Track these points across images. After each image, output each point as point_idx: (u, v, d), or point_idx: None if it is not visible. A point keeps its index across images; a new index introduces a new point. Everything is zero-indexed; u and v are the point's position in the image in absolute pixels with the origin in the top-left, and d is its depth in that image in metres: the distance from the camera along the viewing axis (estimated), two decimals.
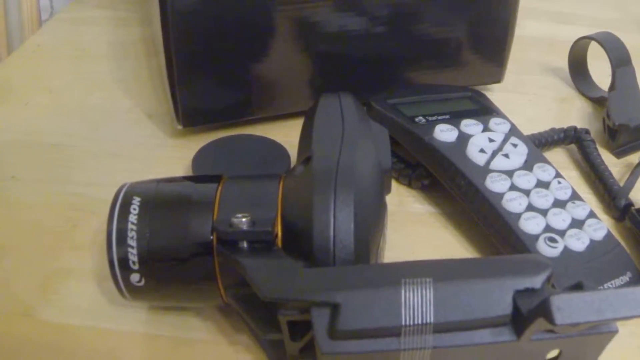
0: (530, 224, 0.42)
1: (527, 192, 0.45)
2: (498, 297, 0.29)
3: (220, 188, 0.36)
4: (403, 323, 0.29)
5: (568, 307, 0.27)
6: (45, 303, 0.41)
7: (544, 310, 0.27)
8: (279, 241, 0.34)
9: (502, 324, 0.29)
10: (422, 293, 0.29)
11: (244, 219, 0.33)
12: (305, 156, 0.35)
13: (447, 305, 0.29)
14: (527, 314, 0.29)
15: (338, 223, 0.31)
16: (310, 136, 0.36)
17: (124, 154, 0.54)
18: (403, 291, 0.29)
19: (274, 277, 0.31)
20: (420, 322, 0.29)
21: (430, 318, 0.29)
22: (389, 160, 0.39)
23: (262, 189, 0.36)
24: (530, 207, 0.44)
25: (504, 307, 0.29)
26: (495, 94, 0.63)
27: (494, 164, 0.46)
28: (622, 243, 0.46)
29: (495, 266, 0.31)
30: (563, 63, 0.67)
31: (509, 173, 0.46)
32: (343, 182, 0.32)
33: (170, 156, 0.53)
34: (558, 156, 0.56)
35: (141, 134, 0.56)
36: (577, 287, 0.30)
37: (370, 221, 0.34)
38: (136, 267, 0.35)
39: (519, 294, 0.29)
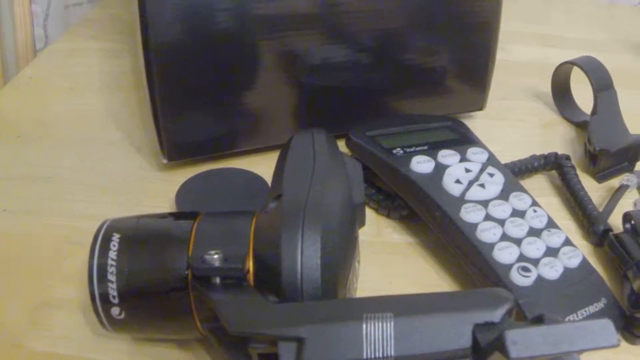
0: (504, 254, 0.43)
1: (502, 222, 0.45)
2: (458, 330, 0.30)
3: (195, 225, 0.37)
4: (365, 357, 0.29)
5: (523, 341, 0.28)
6: (35, 333, 0.42)
7: (500, 345, 0.28)
8: (250, 277, 0.35)
9: (462, 357, 0.30)
10: (383, 327, 0.30)
11: (216, 256, 0.34)
12: (276, 193, 0.36)
13: (408, 339, 0.30)
14: (486, 347, 0.29)
15: (305, 259, 0.33)
16: (281, 173, 0.37)
17: (113, 187, 0.55)
18: (364, 326, 0.30)
19: (242, 312, 0.32)
20: (381, 355, 0.29)
21: (391, 352, 0.29)
22: (362, 194, 0.40)
23: (236, 226, 0.37)
24: (505, 237, 0.44)
25: (464, 340, 0.30)
26: (478, 121, 0.64)
27: (470, 195, 0.47)
28: (601, 269, 0.47)
29: (455, 300, 0.32)
30: (549, 87, 0.68)
31: (484, 203, 0.46)
32: (310, 219, 0.33)
33: (157, 189, 0.54)
34: (538, 183, 0.57)
35: (130, 167, 0.57)
36: (538, 319, 0.31)
37: (338, 256, 0.35)
38: (116, 301, 0.36)
39: (478, 327, 0.30)
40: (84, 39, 0.79)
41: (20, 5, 0.81)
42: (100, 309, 0.36)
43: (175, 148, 0.54)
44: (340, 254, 0.35)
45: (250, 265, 0.35)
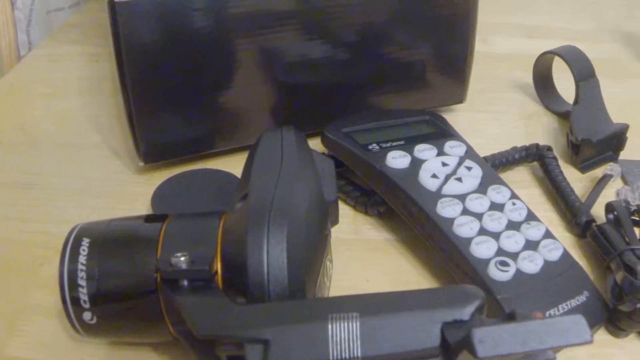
0: (481, 249, 0.42)
1: (479, 216, 0.45)
2: (426, 329, 0.30)
3: (164, 227, 0.37)
4: (331, 357, 0.29)
5: (491, 339, 0.27)
6: (12, 339, 0.42)
7: (467, 343, 0.28)
8: (219, 278, 0.34)
9: (431, 356, 0.30)
10: (349, 328, 0.29)
11: (182, 258, 0.33)
12: (244, 193, 0.36)
13: (375, 339, 0.29)
14: (454, 346, 0.29)
15: (271, 259, 0.32)
16: (249, 173, 0.37)
17: (92, 191, 0.54)
18: (330, 326, 0.29)
19: (208, 314, 0.32)
20: (347, 356, 0.29)
21: (358, 352, 0.29)
22: (334, 192, 0.40)
23: (203, 227, 0.36)
24: (482, 231, 0.44)
25: (432, 339, 0.29)
26: (459, 114, 0.63)
27: (446, 189, 0.46)
28: (584, 261, 0.46)
29: (424, 298, 0.32)
30: (531, 78, 0.67)
31: (462, 197, 0.46)
32: (276, 219, 0.33)
33: (135, 192, 0.54)
34: (520, 174, 0.56)
35: (108, 171, 0.57)
36: (510, 317, 0.30)
37: (306, 255, 0.34)
38: (87, 305, 0.36)
39: (447, 326, 0.30)
40: (65, 44, 0.79)
41: (2, 11, 0.81)
42: (72, 314, 0.36)
43: (151, 150, 0.54)
44: (309, 253, 0.35)
45: (218, 266, 0.34)
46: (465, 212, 0.45)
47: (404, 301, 0.31)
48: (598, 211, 0.50)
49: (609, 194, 0.53)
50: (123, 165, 0.58)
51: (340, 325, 0.29)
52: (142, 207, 0.52)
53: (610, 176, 0.54)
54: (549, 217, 0.51)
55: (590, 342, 0.28)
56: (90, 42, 0.79)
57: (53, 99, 0.68)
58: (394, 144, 0.50)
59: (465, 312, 0.30)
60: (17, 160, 0.58)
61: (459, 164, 0.49)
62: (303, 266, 0.34)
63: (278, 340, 0.29)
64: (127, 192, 0.54)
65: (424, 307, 0.30)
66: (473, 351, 0.27)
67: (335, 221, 0.41)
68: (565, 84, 0.65)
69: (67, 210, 0.52)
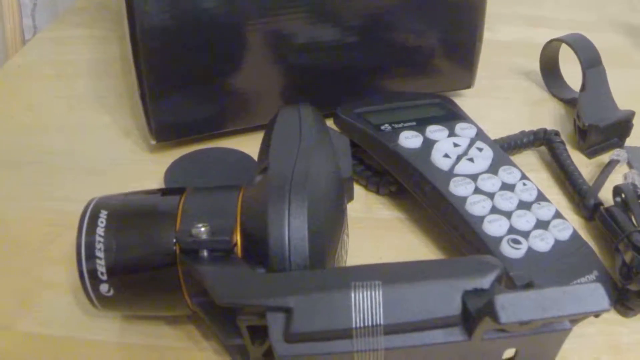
0: (494, 226, 0.43)
1: (491, 195, 0.45)
2: (447, 297, 0.30)
3: (182, 199, 0.37)
4: (354, 325, 0.29)
5: (512, 306, 0.28)
6: (24, 315, 0.42)
7: (489, 310, 0.28)
8: (238, 249, 0.35)
9: (452, 324, 0.30)
10: (372, 296, 0.30)
11: (203, 229, 0.34)
12: (263, 166, 0.36)
13: (397, 307, 0.30)
14: (475, 313, 0.29)
15: (292, 230, 0.32)
16: (268, 147, 0.37)
17: (101, 170, 0.55)
18: (353, 294, 0.30)
19: (230, 283, 0.32)
20: (370, 324, 0.29)
21: (380, 320, 0.29)
22: (349, 168, 0.40)
23: (222, 199, 0.37)
24: (494, 210, 0.44)
25: (454, 307, 0.30)
26: (467, 99, 0.64)
27: (458, 169, 0.47)
28: (592, 242, 0.47)
29: (444, 267, 0.32)
30: (536, 66, 0.68)
31: (474, 177, 0.46)
32: (297, 190, 0.33)
33: (146, 170, 0.54)
34: (528, 158, 0.57)
35: (118, 150, 0.57)
36: (528, 286, 0.31)
37: (326, 227, 0.35)
38: (105, 277, 0.36)
39: (468, 294, 0.30)
40: (72, 27, 0.79)
41: None
42: (89, 287, 0.36)
43: (163, 129, 0.54)
44: (328, 225, 0.35)
45: (237, 237, 0.35)
46: (477, 191, 0.45)
47: (425, 270, 0.32)
48: (605, 195, 0.50)
49: (615, 179, 0.53)
50: (133, 145, 0.58)
51: (363, 293, 0.30)
52: (153, 185, 0.52)
53: (617, 161, 0.54)
54: (557, 200, 0.51)
55: (608, 309, 0.29)
56: (97, 25, 0.79)
57: (61, 80, 0.68)
58: (405, 124, 0.50)
59: (486, 281, 0.30)
60: (26, 140, 0.58)
61: (470, 145, 0.49)
62: (323, 238, 0.34)
63: (301, 308, 0.30)
64: (138, 170, 0.54)
65: (445, 276, 0.31)
66: (496, 317, 0.28)
67: (350, 197, 0.41)
68: (570, 71, 0.65)
69: (77, 188, 0.52)
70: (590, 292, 0.29)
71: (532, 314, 0.28)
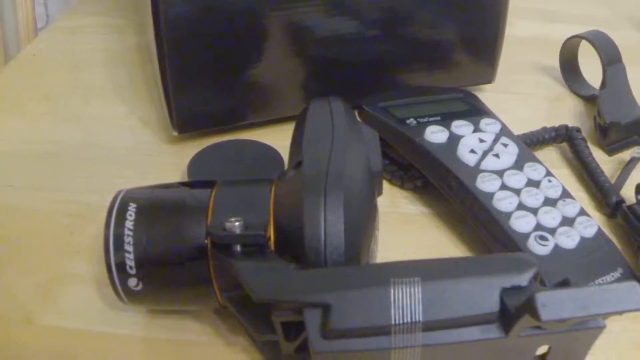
0: (521, 223, 0.43)
1: (517, 192, 0.45)
2: (485, 295, 0.30)
3: (213, 193, 0.37)
4: (393, 322, 0.29)
5: (553, 304, 0.28)
6: (46, 309, 0.42)
7: (529, 307, 0.28)
8: (271, 244, 0.34)
9: (490, 321, 0.30)
10: (411, 292, 0.29)
11: (237, 223, 0.33)
12: (296, 161, 0.36)
13: (436, 303, 0.29)
14: (514, 311, 0.29)
15: (328, 225, 0.32)
16: (300, 141, 0.37)
17: (120, 161, 0.54)
18: (392, 291, 0.29)
19: (266, 279, 0.32)
20: (409, 320, 0.29)
21: (419, 316, 0.29)
22: (380, 163, 0.40)
23: (255, 194, 0.36)
24: (521, 206, 0.44)
25: (492, 304, 0.30)
26: (487, 94, 0.64)
27: (485, 164, 0.47)
28: (614, 240, 0.46)
29: (482, 265, 0.32)
30: (555, 62, 0.68)
31: (500, 173, 0.46)
32: (333, 186, 0.33)
33: (166, 162, 0.54)
34: (550, 155, 0.57)
35: (137, 141, 0.57)
36: (564, 283, 0.31)
37: (361, 223, 0.34)
38: (133, 271, 0.36)
39: (506, 291, 0.30)
40: (85, 16, 0.78)
41: None
42: (116, 280, 0.36)
43: (185, 120, 0.54)
44: (363, 220, 0.35)
45: (271, 232, 0.34)
46: (504, 187, 0.45)
47: (463, 267, 0.31)
48: (626, 193, 0.50)
49: (636, 176, 0.53)
50: (152, 135, 0.57)
51: (402, 290, 0.29)
52: (174, 176, 0.52)
53: (638, 159, 0.54)
54: (579, 197, 0.51)
55: None
56: (111, 14, 0.79)
57: (77, 70, 0.68)
58: (430, 119, 0.50)
59: (524, 278, 0.30)
60: (42, 130, 0.58)
61: (495, 140, 0.49)
62: (358, 233, 0.34)
63: (340, 305, 0.30)
64: (158, 162, 0.54)
65: (483, 273, 0.31)
66: (536, 315, 0.27)
67: (379, 192, 0.41)
68: (589, 67, 0.65)
69: (96, 179, 0.52)
70: (628, 290, 0.29)
71: (572, 312, 0.28)
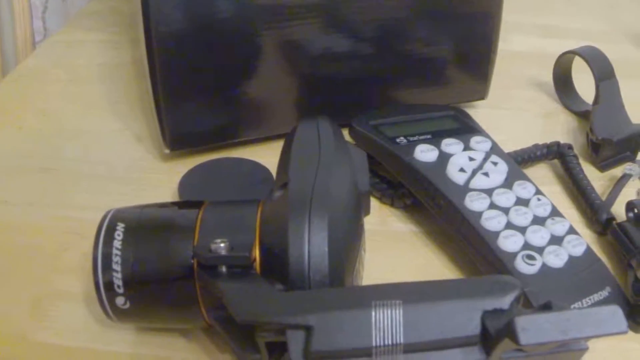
0: (509, 242, 0.43)
1: (506, 210, 0.45)
2: (467, 317, 0.30)
3: (200, 214, 0.37)
4: (374, 344, 0.29)
5: (533, 328, 0.28)
6: (38, 325, 0.42)
7: (509, 331, 0.28)
8: (257, 265, 0.35)
9: (471, 344, 0.30)
10: (392, 315, 0.30)
11: (222, 244, 0.34)
12: (283, 182, 0.36)
13: (417, 326, 0.30)
14: (495, 334, 0.29)
15: (312, 247, 0.32)
16: (287, 162, 0.37)
17: (115, 177, 0.55)
18: (373, 313, 0.30)
19: (250, 300, 0.32)
20: (390, 343, 0.29)
21: (400, 339, 0.29)
22: (367, 183, 0.40)
23: (241, 214, 0.37)
24: (509, 225, 0.44)
25: (473, 327, 0.30)
26: (480, 110, 0.64)
27: (474, 183, 0.47)
28: (604, 257, 0.47)
29: (464, 287, 0.32)
30: (549, 77, 0.68)
31: (489, 191, 0.46)
32: (317, 207, 0.33)
33: (159, 179, 0.54)
34: (541, 172, 0.57)
35: (131, 157, 0.57)
36: (546, 306, 0.31)
37: (345, 244, 0.35)
38: (121, 290, 0.36)
39: (487, 314, 0.30)
40: (83, 31, 0.79)
41: None
42: (104, 299, 0.36)
43: (177, 137, 0.54)
44: (348, 242, 0.35)
45: (256, 253, 0.35)
46: (493, 206, 0.45)
47: (445, 289, 0.32)
48: (617, 210, 0.50)
49: (627, 193, 0.53)
50: (146, 152, 0.58)
51: (383, 312, 0.30)
52: (166, 193, 0.52)
53: (630, 175, 0.54)
54: (570, 215, 0.51)
55: (626, 332, 0.29)
56: (108, 29, 0.79)
57: (73, 85, 0.68)
58: (421, 137, 0.51)
59: (505, 301, 0.30)
60: (37, 145, 0.58)
61: (485, 159, 0.49)
62: (342, 255, 0.34)
63: (322, 327, 0.30)
64: (151, 179, 0.54)
65: (465, 296, 0.31)
66: (516, 339, 0.28)
67: (367, 212, 0.41)
68: (583, 83, 0.65)
69: (90, 196, 0.52)
70: (609, 314, 0.29)
71: (552, 336, 0.28)
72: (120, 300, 0.36)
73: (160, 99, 0.51)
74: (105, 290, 0.36)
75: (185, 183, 0.49)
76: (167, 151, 0.54)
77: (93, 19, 0.82)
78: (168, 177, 0.53)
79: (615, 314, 0.29)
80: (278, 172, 0.40)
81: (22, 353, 0.40)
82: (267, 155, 0.53)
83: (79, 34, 0.78)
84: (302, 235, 0.33)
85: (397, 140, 0.50)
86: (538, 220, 0.45)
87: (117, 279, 0.36)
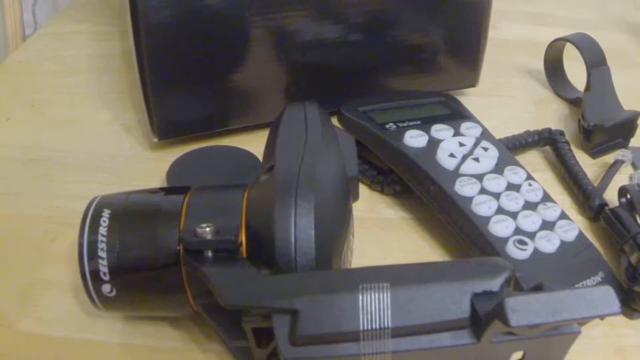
0: (500, 227, 0.43)
1: (497, 196, 0.45)
2: (456, 300, 0.30)
3: (186, 199, 0.36)
4: (361, 328, 0.29)
5: (523, 309, 0.27)
6: (24, 315, 0.41)
7: (499, 313, 0.28)
8: (243, 250, 0.34)
9: (461, 327, 0.30)
10: (380, 298, 0.29)
11: (207, 229, 0.33)
12: (269, 165, 0.36)
13: (405, 309, 0.29)
14: (485, 316, 0.29)
15: (299, 230, 0.32)
16: (273, 145, 0.36)
17: (103, 167, 0.54)
18: (361, 296, 0.29)
19: (235, 284, 0.31)
20: (378, 326, 0.29)
21: (388, 322, 0.29)
22: (355, 167, 0.40)
23: (227, 199, 0.36)
24: (500, 210, 0.44)
25: (462, 310, 0.29)
26: (471, 97, 0.63)
27: (464, 168, 0.46)
28: (597, 243, 0.46)
29: (453, 270, 0.32)
30: (540, 65, 0.68)
31: (479, 177, 0.46)
32: (304, 190, 0.33)
33: (147, 168, 0.54)
34: (533, 158, 0.57)
35: (120, 147, 0.57)
36: (537, 288, 0.30)
37: (332, 228, 0.34)
38: (107, 278, 0.35)
39: (477, 296, 0.30)
40: (72, 22, 0.78)
41: None
42: (91, 287, 0.36)
43: (166, 126, 0.54)
44: (335, 226, 0.35)
45: (242, 237, 0.34)
46: (483, 191, 0.45)
47: (434, 272, 0.31)
48: (609, 196, 0.50)
49: (619, 179, 0.53)
50: (135, 142, 0.57)
51: (371, 296, 0.29)
52: (155, 182, 0.52)
53: (622, 162, 0.54)
54: (562, 201, 0.51)
55: (619, 313, 0.28)
56: (98, 20, 0.79)
57: (62, 76, 0.68)
58: (410, 123, 0.50)
59: (495, 283, 0.30)
60: (26, 136, 0.58)
61: (476, 144, 0.49)
62: (329, 239, 0.34)
63: (308, 310, 0.29)
64: (140, 168, 0.54)
65: (454, 278, 0.30)
66: (505, 320, 0.27)
67: (355, 197, 0.41)
68: (574, 70, 0.65)
69: (78, 185, 0.52)
70: (601, 295, 0.28)
71: (543, 317, 0.28)
72: (106, 288, 0.36)
73: (148, 87, 0.51)
74: (91, 277, 0.36)
75: (173, 171, 0.49)
76: (155, 140, 0.54)
77: (82, 10, 0.82)
78: (156, 166, 0.53)
79: (608, 294, 0.28)
80: (264, 157, 0.39)
81: (9, 343, 0.40)
82: (256, 144, 0.52)
83: (68, 26, 0.78)
84: (288, 219, 0.32)
85: (387, 126, 0.50)
86: (529, 206, 0.45)
87: (103, 267, 0.35)
